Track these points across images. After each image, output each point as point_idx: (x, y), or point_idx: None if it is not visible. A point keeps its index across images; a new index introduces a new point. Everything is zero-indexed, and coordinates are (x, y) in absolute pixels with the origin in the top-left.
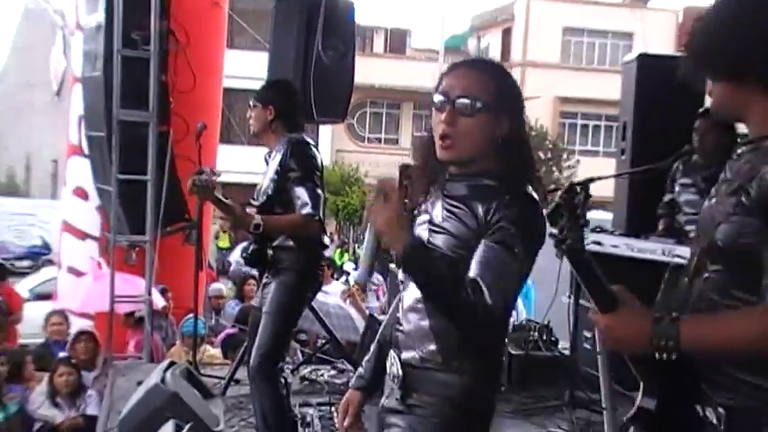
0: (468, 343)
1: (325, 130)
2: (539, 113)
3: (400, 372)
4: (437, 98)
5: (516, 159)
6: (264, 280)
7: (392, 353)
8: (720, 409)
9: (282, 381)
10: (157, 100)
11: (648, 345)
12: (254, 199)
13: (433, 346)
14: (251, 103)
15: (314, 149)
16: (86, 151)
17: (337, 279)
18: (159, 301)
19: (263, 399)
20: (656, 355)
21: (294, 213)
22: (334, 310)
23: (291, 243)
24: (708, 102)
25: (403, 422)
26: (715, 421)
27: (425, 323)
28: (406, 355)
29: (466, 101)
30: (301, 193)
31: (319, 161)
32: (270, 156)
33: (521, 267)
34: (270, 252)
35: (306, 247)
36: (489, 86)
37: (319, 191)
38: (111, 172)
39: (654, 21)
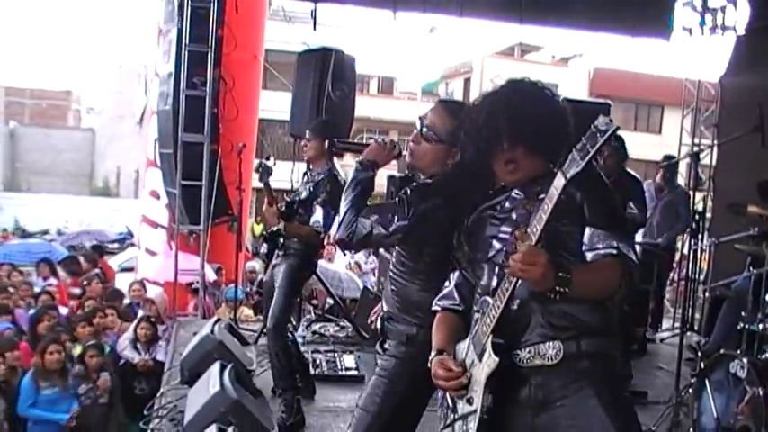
0: (415, 302)
1: None
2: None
3: (379, 325)
4: (417, 122)
5: (461, 179)
6: (275, 261)
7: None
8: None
9: (290, 336)
10: (210, 126)
11: (553, 276)
12: (287, 194)
13: (396, 305)
14: (308, 134)
15: (343, 180)
16: (159, 163)
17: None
18: (211, 275)
19: (275, 349)
20: (555, 287)
21: (309, 225)
22: (343, 276)
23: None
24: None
25: (379, 360)
26: (550, 352)
27: (390, 287)
28: (385, 307)
29: (427, 131)
30: (320, 213)
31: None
32: (311, 171)
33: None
34: (281, 240)
35: (308, 242)
36: (449, 126)
37: (333, 212)
38: (176, 179)
39: (572, 75)
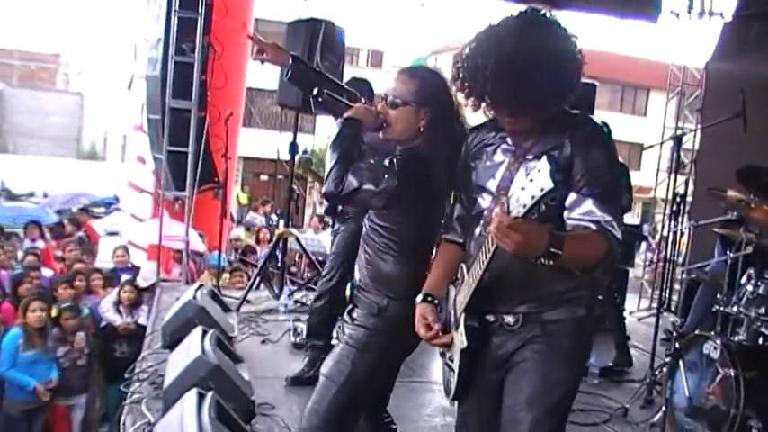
0: (387, 274)
1: (321, 120)
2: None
3: (348, 293)
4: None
5: (437, 138)
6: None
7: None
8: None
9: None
10: (198, 93)
11: (545, 246)
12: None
13: (367, 274)
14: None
15: None
16: (146, 129)
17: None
18: (200, 246)
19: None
20: (545, 256)
21: None
22: (311, 241)
23: None
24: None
25: (347, 329)
26: (511, 319)
27: (364, 255)
28: (357, 275)
29: (392, 98)
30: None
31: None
32: None
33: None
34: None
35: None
36: (412, 87)
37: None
38: (162, 145)
39: None
